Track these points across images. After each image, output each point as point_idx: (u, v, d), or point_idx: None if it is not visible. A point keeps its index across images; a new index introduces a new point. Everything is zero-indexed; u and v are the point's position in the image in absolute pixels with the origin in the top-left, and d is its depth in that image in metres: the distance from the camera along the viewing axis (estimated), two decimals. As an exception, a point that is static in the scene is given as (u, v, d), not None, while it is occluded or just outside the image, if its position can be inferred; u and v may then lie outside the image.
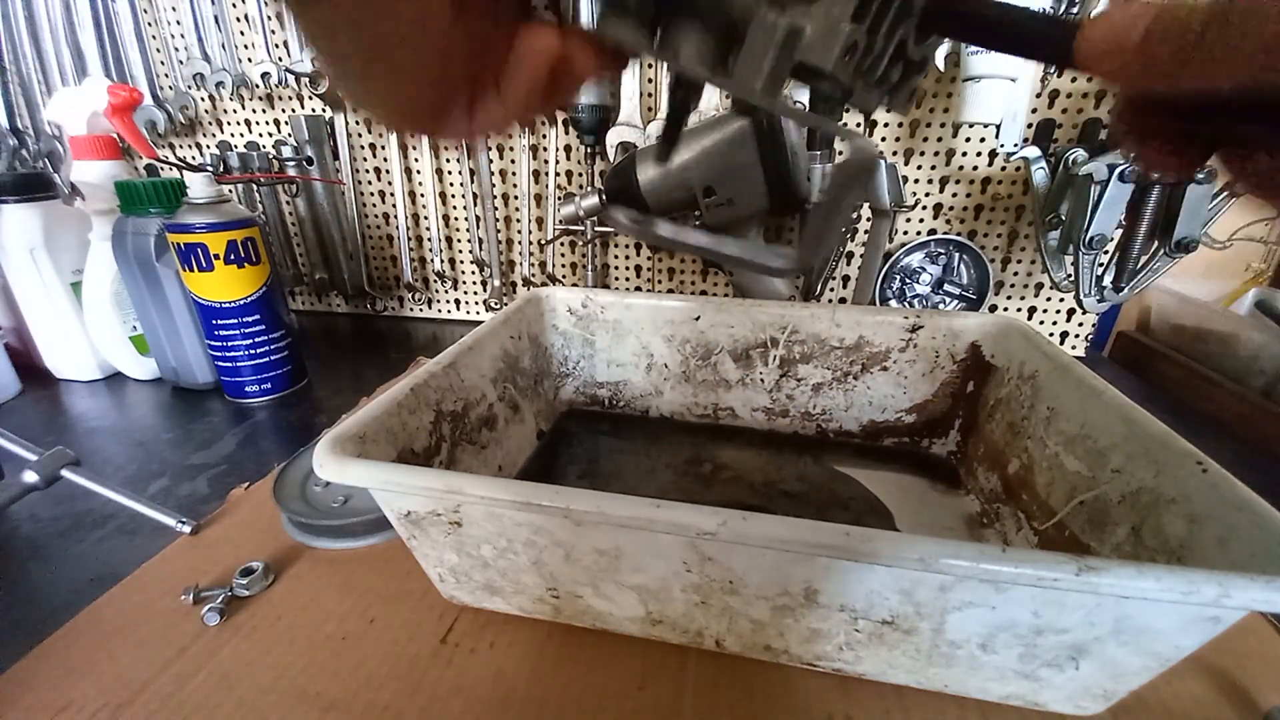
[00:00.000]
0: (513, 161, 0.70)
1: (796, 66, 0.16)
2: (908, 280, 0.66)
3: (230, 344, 0.53)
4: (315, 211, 0.73)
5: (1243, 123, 0.13)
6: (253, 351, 0.54)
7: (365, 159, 0.73)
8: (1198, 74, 0.12)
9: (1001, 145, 0.57)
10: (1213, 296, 0.72)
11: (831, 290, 0.70)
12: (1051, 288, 0.64)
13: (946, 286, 0.65)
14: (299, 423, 0.53)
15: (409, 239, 0.75)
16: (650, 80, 0.62)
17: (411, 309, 0.82)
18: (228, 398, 0.57)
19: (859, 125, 0.61)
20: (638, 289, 0.75)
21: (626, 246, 0.72)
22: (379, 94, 0.17)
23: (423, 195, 0.73)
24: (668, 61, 0.18)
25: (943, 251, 0.65)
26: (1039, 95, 0.57)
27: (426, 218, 0.73)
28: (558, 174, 0.68)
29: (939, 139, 0.61)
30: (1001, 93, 0.51)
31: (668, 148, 0.23)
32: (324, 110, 0.70)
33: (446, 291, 0.80)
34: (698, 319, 0.47)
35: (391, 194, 0.73)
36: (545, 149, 0.67)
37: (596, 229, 0.67)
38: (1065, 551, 0.21)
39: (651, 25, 0.18)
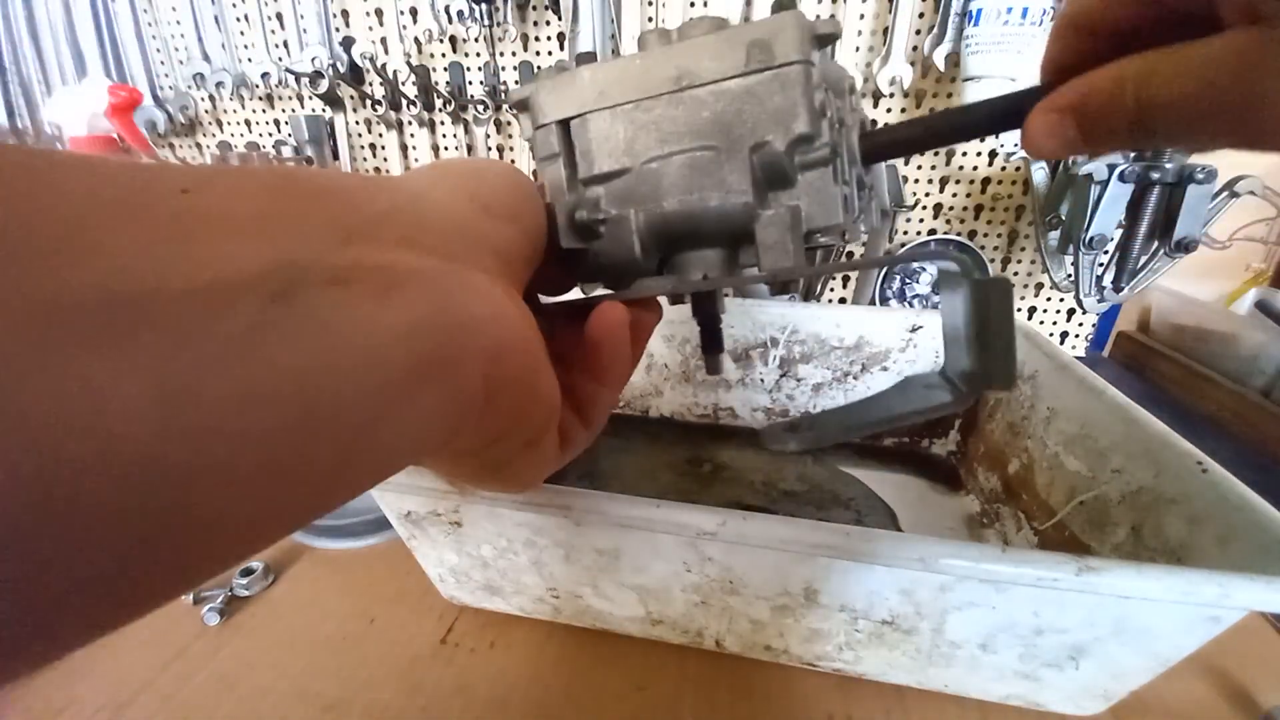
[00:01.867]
0: (513, 162, 0.70)
1: (808, 234, 0.18)
2: (908, 280, 0.66)
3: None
4: (315, 211, 0.73)
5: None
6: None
7: (365, 159, 0.73)
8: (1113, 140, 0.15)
9: (1001, 145, 0.57)
10: (1213, 296, 0.72)
11: (831, 290, 0.70)
12: (1051, 288, 0.64)
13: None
14: (299, 423, 0.53)
15: (409, 239, 0.75)
16: (650, 80, 0.62)
17: (411, 309, 0.82)
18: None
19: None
20: (638, 289, 0.75)
21: (626, 246, 0.72)
22: (517, 475, 0.17)
23: (423, 195, 0.73)
24: (693, 291, 0.19)
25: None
26: (1039, 95, 0.57)
27: (426, 218, 0.73)
28: (558, 174, 0.68)
29: (939, 139, 0.61)
30: (1001, 93, 0.51)
31: (714, 358, 0.23)
32: (324, 110, 0.70)
33: (446, 291, 0.80)
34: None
35: (391, 194, 0.73)
36: (545, 149, 0.67)
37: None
38: (1065, 551, 0.21)
39: (662, 266, 0.20)
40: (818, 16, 0.18)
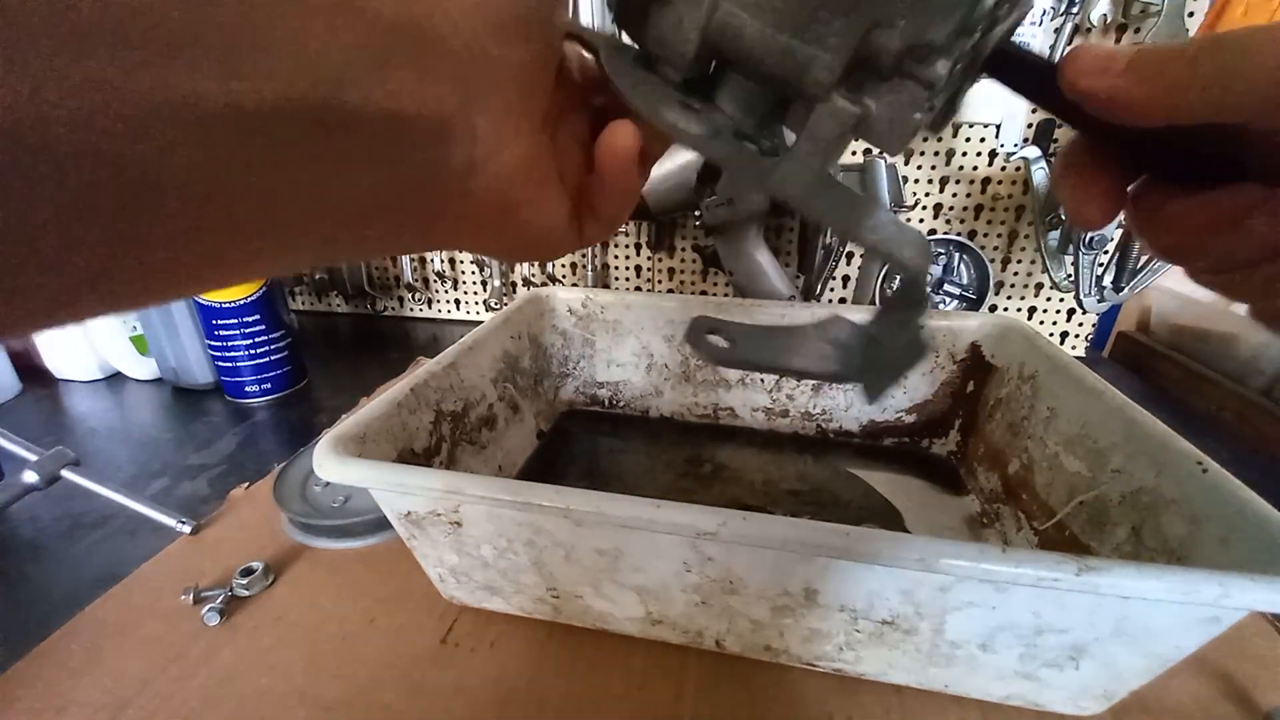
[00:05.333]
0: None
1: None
2: (908, 280, 0.66)
3: (230, 344, 0.53)
4: (315, 211, 0.73)
5: (1173, 161, 0.14)
6: (253, 351, 0.54)
7: None
8: (1177, 96, 0.13)
9: (1001, 145, 0.57)
10: (1213, 296, 0.72)
11: (831, 290, 0.70)
12: (1051, 288, 0.64)
13: (946, 286, 0.65)
14: (299, 423, 0.53)
15: (409, 239, 0.75)
16: (650, 80, 0.62)
17: (411, 309, 0.82)
18: (228, 398, 0.57)
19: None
20: (638, 289, 0.75)
21: (626, 246, 0.72)
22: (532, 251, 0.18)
23: (423, 195, 0.73)
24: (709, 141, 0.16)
25: (943, 251, 0.65)
26: (1039, 95, 0.57)
27: (426, 218, 0.73)
28: (558, 174, 0.68)
29: (939, 139, 0.61)
30: (1001, 93, 0.51)
31: (705, 186, 0.21)
32: (324, 110, 0.70)
33: (446, 291, 0.80)
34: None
35: (391, 194, 0.73)
36: (545, 149, 0.67)
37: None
38: (1065, 552, 0.21)
39: (696, 83, 0.17)
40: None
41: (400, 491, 0.26)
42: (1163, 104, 0.13)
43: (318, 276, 0.77)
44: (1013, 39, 0.16)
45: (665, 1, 0.15)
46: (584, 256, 0.71)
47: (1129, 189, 0.16)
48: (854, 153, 0.63)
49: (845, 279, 0.69)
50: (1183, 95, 0.12)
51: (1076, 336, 0.67)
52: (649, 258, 0.72)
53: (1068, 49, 0.15)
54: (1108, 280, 0.57)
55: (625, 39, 0.17)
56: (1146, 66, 0.13)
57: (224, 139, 0.10)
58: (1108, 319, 0.73)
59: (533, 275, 0.74)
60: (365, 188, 0.12)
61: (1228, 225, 0.13)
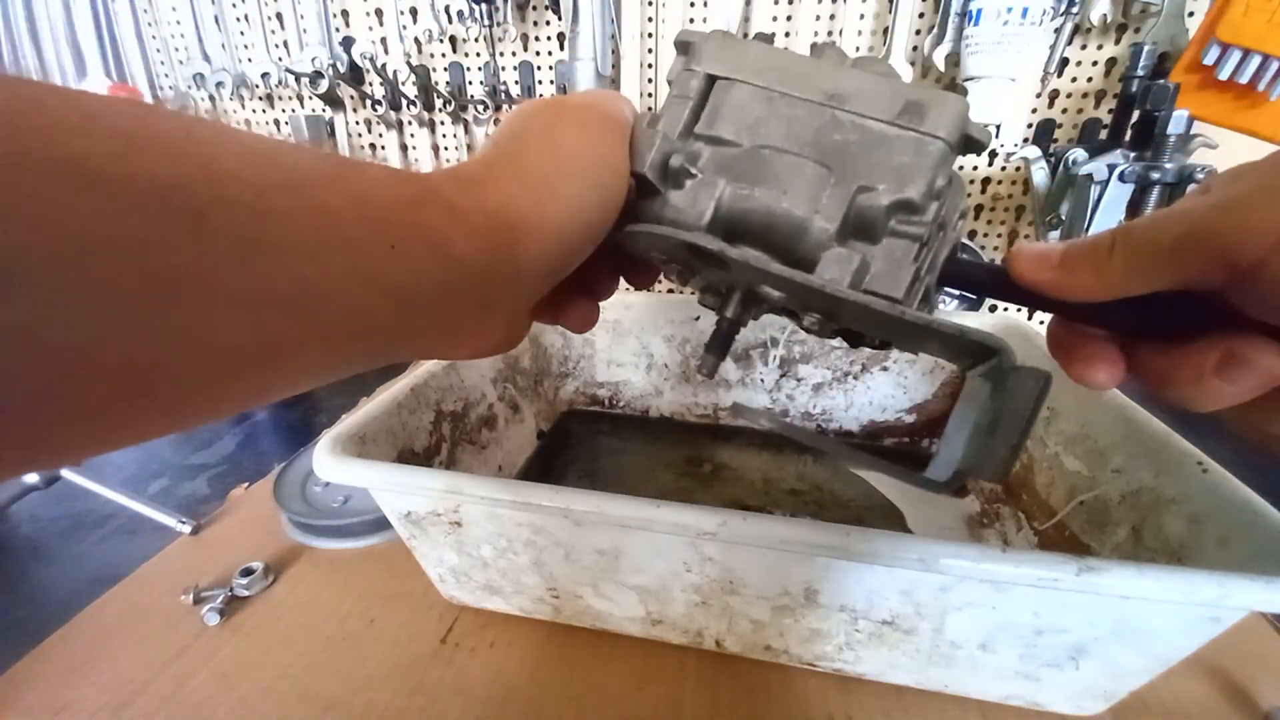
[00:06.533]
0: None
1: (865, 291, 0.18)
2: (908, 280, 0.66)
3: (230, 344, 0.53)
4: (315, 211, 0.73)
5: (1135, 324, 0.16)
6: (253, 351, 0.54)
7: (365, 159, 0.73)
8: (1105, 278, 0.15)
9: (1001, 145, 0.57)
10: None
11: (831, 290, 0.70)
12: (1051, 288, 0.64)
13: (946, 287, 0.65)
14: (299, 423, 0.53)
15: (409, 239, 0.74)
16: (650, 80, 0.62)
17: (411, 309, 0.82)
18: (228, 398, 0.57)
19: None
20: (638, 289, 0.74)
21: (626, 246, 0.72)
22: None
23: (423, 195, 0.72)
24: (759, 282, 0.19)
25: (943, 251, 0.65)
26: (1039, 95, 0.57)
27: (426, 218, 0.73)
28: (558, 174, 0.68)
29: (939, 139, 0.61)
30: (1001, 93, 0.51)
31: (715, 361, 0.23)
32: (324, 110, 0.70)
33: (446, 291, 0.79)
34: (698, 319, 0.47)
35: (391, 194, 0.73)
36: (545, 149, 0.67)
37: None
38: (1065, 552, 0.21)
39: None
40: (970, 119, 0.18)
41: (400, 491, 0.26)
42: (1096, 285, 0.16)
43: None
44: (960, 253, 0.20)
45: (681, 185, 0.19)
46: (584, 256, 0.71)
47: (1122, 350, 0.17)
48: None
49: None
50: (1109, 276, 0.15)
51: (1076, 336, 0.67)
52: (649, 258, 0.72)
53: (1009, 250, 0.18)
54: (1108, 280, 0.57)
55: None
56: (1075, 258, 0.16)
57: (343, 340, 0.13)
58: (1108, 319, 0.73)
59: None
60: (406, 355, 0.17)
61: (1212, 373, 0.15)
